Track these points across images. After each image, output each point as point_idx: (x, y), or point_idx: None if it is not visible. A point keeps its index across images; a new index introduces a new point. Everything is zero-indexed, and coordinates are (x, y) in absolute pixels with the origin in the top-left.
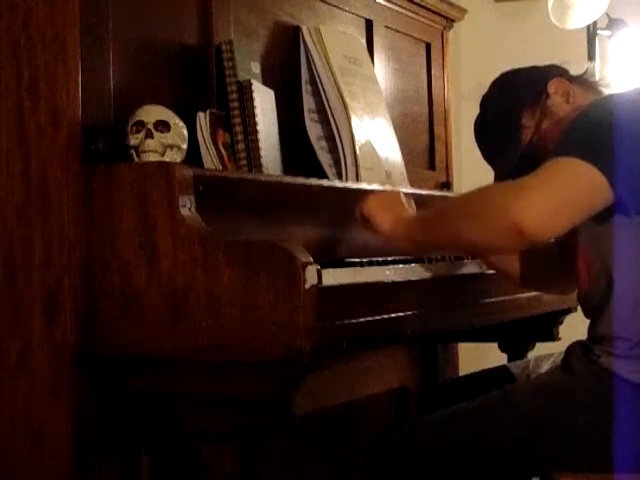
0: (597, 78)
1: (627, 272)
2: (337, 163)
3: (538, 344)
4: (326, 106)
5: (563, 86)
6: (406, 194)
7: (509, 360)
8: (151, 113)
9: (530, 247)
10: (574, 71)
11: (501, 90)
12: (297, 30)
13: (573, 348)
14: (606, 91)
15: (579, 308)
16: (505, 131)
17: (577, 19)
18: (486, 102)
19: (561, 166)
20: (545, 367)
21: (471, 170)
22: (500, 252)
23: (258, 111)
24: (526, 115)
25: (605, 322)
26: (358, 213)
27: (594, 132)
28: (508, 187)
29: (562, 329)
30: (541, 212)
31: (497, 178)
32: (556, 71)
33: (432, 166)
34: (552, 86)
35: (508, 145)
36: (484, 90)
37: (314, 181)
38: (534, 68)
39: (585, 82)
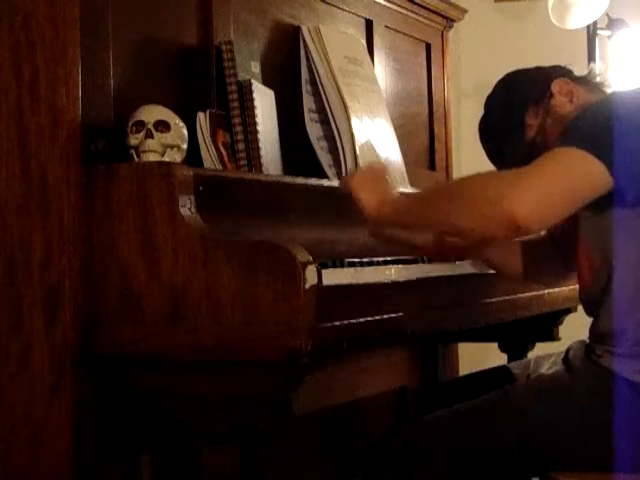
0: (601, 79)
1: (626, 264)
2: (337, 163)
3: (538, 344)
4: (326, 106)
5: (567, 86)
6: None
7: (509, 360)
8: (151, 113)
9: (522, 237)
10: (578, 72)
11: (505, 89)
12: (297, 30)
13: (574, 348)
14: (610, 92)
15: (579, 308)
16: (509, 130)
17: (577, 19)
18: (490, 102)
19: (558, 155)
20: (545, 367)
21: (471, 170)
22: (488, 240)
23: (258, 111)
24: (530, 114)
25: (605, 318)
26: (341, 185)
27: (595, 124)
28: (503, 176)
29: (562, 329)
30: (535, 203)
31: None
32: (560, 71)
33: (432, 166)
34: (556, 86)
35: (512, 144)
36: (484, 89)
37: (314, 181)
38: (538, 68)
39: (589, 83)
